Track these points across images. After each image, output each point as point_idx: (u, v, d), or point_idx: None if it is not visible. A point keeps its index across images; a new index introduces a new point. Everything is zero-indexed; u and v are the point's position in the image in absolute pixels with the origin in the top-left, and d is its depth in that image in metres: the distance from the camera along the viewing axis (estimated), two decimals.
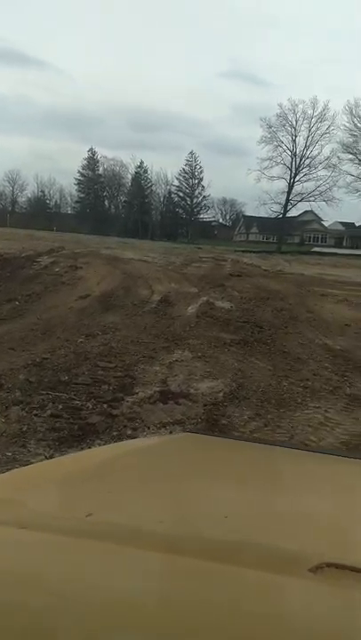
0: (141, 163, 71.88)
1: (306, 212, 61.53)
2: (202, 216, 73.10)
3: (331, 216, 68.18)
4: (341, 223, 72.64)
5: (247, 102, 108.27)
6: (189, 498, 1.03)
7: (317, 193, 52.12)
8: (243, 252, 40.20)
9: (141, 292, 10.95)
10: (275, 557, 0.72)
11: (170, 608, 0.63)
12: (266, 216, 58.03)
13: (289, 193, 52.97)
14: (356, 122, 50.43)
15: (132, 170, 72.85)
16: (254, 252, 41.28)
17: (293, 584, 0.66)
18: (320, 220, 71.07)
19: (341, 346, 7.26)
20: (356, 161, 50.69)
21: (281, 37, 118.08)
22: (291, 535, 0.83)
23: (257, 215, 63.42)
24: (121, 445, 2.37)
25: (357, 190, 50.82)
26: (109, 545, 0.74)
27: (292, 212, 59.57)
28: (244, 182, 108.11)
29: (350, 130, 50.55)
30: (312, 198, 53.03)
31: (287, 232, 58.98)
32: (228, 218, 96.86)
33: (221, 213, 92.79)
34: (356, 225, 64.95)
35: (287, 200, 53.01)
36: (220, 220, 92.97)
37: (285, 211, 53.61)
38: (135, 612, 0.62)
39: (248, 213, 71.85)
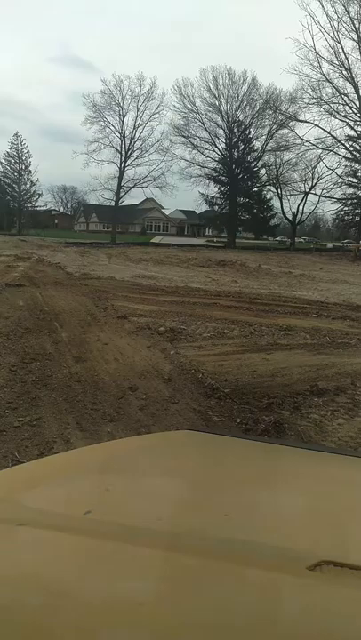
0: None
1: (147, 199, 58.86)
2: (37, 204, 66.61)
3: (172, 204, 67.00)
4: (182, 211, 71.96)
5: (85, 89, 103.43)
6: (188, 495, 1.02)
7: (151, 179, 49.23)
8: (71, 243, 35.75)
9: None
10: (274, 555, 0.72)
11: (168, 605, 0.63)
12: (106, 204, 53.96)
13: (120, 178, 49.12)
14: (186, 102, 48.65)
15: None
16: (85, 243, 37.02)
17: (292, 582, 0.66)
18: (161, 207, 69.46)
19: None
20: (190, 145, 49.02)
21: (114, 26, 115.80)
22: (290, 533, 0.82)
23: (97, 203, 59.32)
24: (119, 442, 2.13)
25: (191, 176, 49.28)
26: (108, 542, 0.75)
27: (133, 200, 56.62)
28: (84, 169, 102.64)
29: (181, 111, 48.64)
30: (145, 184, 49.90)
31: (126, 221, 55.63)
32: (69, 206, 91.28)
33: (62, 202, 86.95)
34: (197, 213, 64.19)
35: (119, 186, 49.09)
36: (61, 209, 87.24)
37: (118, 198, 49.65)
38: (133, 608, 0.62)
39: (91, 202, 67.49)
